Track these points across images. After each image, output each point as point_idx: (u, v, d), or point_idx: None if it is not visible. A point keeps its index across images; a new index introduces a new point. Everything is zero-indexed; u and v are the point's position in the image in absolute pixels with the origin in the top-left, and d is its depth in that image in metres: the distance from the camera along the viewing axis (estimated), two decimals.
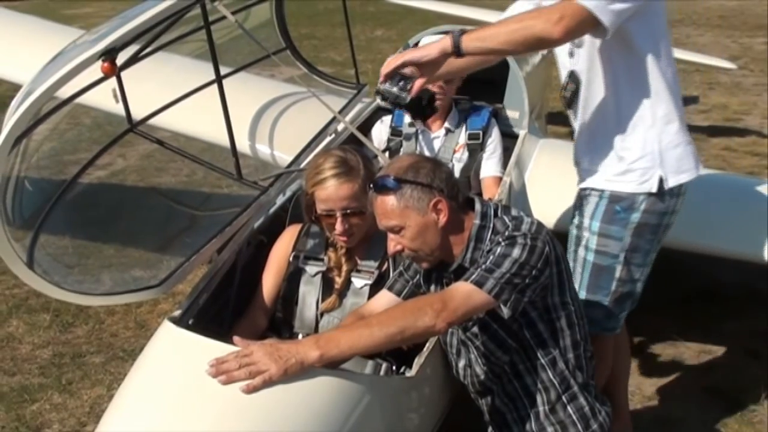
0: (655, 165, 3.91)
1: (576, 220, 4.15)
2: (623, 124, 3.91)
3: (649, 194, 3.93)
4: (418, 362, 3.60)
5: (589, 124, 4.03)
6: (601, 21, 3.55)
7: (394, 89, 3.67)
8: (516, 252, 3.25)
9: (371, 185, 3.45)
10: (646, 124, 3.89)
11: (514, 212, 3.48)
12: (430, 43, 3.67)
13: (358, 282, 3.97)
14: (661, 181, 3.92)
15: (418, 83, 3.67)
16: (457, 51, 3.60)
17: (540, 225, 3.40)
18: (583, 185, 4.12)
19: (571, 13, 3.52)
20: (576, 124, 4.10)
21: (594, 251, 4.03)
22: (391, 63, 3.66)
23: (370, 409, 3.30)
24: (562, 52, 4.01)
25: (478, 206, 3.46)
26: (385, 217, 3.41)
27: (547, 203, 5.08)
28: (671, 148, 3.93)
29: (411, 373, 3.58)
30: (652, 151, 3.90)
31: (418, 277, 3.68)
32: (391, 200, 3.37)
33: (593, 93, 3.95)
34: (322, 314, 3.95)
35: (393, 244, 3.44)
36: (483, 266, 3.25)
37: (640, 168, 3.92)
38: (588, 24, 3.59)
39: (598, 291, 4.02)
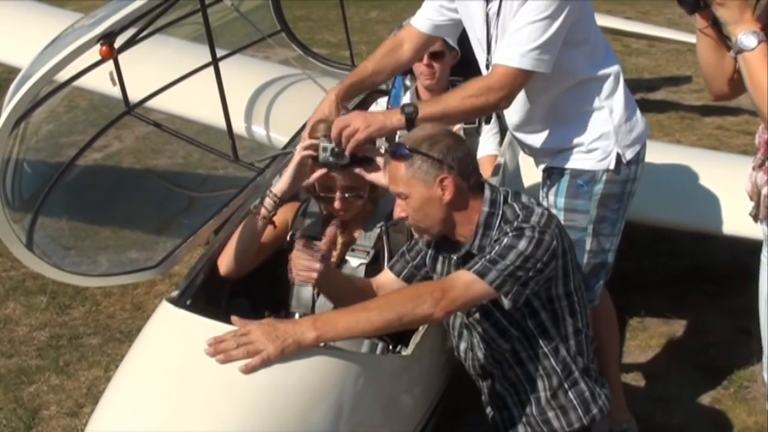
0: (611, 143, 4.04)
1: (545, 202, 4.23)
2: (571, 114, 4.03)
3: (609, 169, 4.04)
4: (414, 341, 3.62)
5: (533, 120, 4.14)
6: (537, 72, 3.77)
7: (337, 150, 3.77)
8: (522, 245, 3.25)
9: (387, 150, 3.49)
10: (593, 106, 4.02)
11: (524, 200, 3.47)
12: (379, 117, 3.79)
13: (354, 261, 4.00)
14: (618, 156, 4.04)
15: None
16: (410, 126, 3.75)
17: (550, 216, 3.40)
18: (543, 166, 4.23)
19: (508, 83, 3.77)
20: (515, 118, 4.20)
21: None
22: (356, 136, 3.73)
23: (366, 387, 3.33)
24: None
25: (487, 192, 3.45)
26: (394, 183, 3.44)
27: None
28: (623, 122, 4.06)
29: (407, 351, 3.61)
30: (606, 131, 4.03)
31: (419, 258, 3.69)
32: (401, 168, 3.39)
33: (530, 98, 4.05)
34: (318, 293, 3.97)
35: (399, 209, 3.45)
36: (487, 256, 3.25)
37: (598, 148, 4.04)
38: (526, 79, 3.80)
39: None
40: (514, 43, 3.71)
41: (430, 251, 3.66)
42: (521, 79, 3.78)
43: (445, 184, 3.35)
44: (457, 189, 3.37)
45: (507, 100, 3.84)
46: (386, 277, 3.73)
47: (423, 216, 3.42)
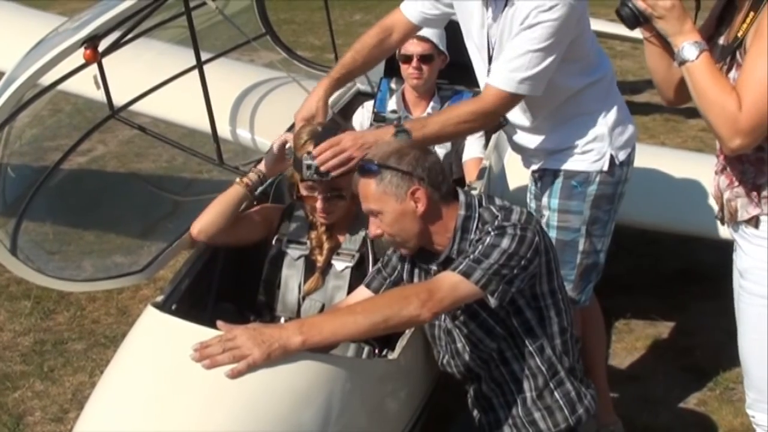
0: (605, 144, 4.07)
1: (533, 203, 4.26)
2: (567, 117, 4.05)
3: (602, 170, 4.07)
4: (400, 344, 3.61)
5: (529, 124, 4.15)
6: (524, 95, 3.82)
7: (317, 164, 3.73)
8: (505, 242, 3.24)
9: (358, 174, 3.46)
10: (588, 109, 4.06)
11: (499, 202, 3.47)
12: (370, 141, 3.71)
13: (339, 265, 3.99)
14: (612, 158, 4.07)
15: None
16: None
17: (530, 215, 3.41)
18: (535, 167, 4.24)
19: (503, 106, 3.84)
20: (511, 123, 4.22)
21: (556, 228, 4.12)
22: (350, 165, 3.68)
23: (353, 391, 3.31)
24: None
25: (462, 197, 3.45)
26: (365, 200, 3.42)
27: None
28: (617, 124, 4.10)
29: (393, 355, 3.59)
30: (601, 133, 4.07)
31: (396, 273, 3.68)
32: (371, 184, 3.37)
33: (526, 108, 4.07)
34: (304, 297, 3.97)
35: (374, 227, 3.45)
36: (471, 256, 3.24)
37: (593, 149, 4.07)
38: (519, 101, 3.88)
39: (564, 266, 4.03)
40: (513, 68, 3.74)
41: (406, 266, 3.66)
42: (515, 102, 3.86)
43: (417, 195, 3.35)
44: (430, 199, 3.36)
45: (498, 120, 3.95)
46: (362, 295, 3.70)
47: (398, 230, 3.42)
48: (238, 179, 3.96)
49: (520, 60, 3.71)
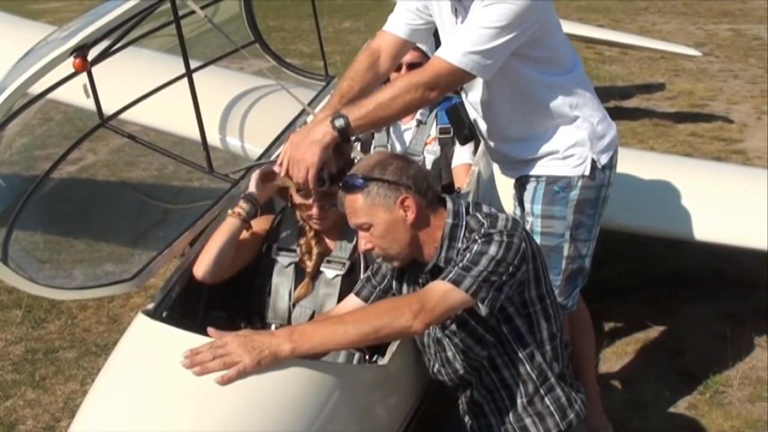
0: (586, 149, 4.06)
1: (517, 210, 4.28)
2: (545, 125, 4.05)
3: (584, 175, 4.07)
4: (390, 350, 3.62)
5: (508, 133, 4.15)
6: (473, 75, 3.74)
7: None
8: (493, 249, 3.25)
9: (339, 185, 3.46)
10: (565, 115, 4.04)
11: (485, 209, 3.48)
12: (313, 143, 3.63)
13: (329, 272, 3.99)
14: (593, 162, 4.07)
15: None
16: (345, 138, 3.70)
17: (515, 221, 3.41)
18: (518, 175, 4.24)
19: (442, 79, 3.72)
20: (489, 132, 4.23)
21: (540, 234, 4.12)
22: (310, 174, 3.63)
23: (344, 397, 3.31)
24: None
25: (449, 204, 3.45)
26: (354, 215, 3.42)
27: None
28: (596, 128, 4.09)
29: (384, 361, 3.60)
30: (582, 138, 4.06)
31: (386, 282, 3.68)
32: (358, 198, 3.38)
33: (500, 114, 4.08)
34: (294, 304, 3.97)
35: (363, 242, 3.45)
36: (460, 264, 3.24)
37: (574, 154, 4.06)
38: (462, 79, 3.82)
39: (550, 271, 3.95)
40: (460, 40, 3.69)
41: (395, 274, 3.66)
42: (456, 78, 3.77)
43: (406, 204, 3.35)
44: (419, 207, 3.37)
45: (438, 96, 3.85)
46: (352, 303, 3.71)
47: (390, 242, 3.42)
48: (230, 211, 3.93)
49: (470, 34, 3.66)
